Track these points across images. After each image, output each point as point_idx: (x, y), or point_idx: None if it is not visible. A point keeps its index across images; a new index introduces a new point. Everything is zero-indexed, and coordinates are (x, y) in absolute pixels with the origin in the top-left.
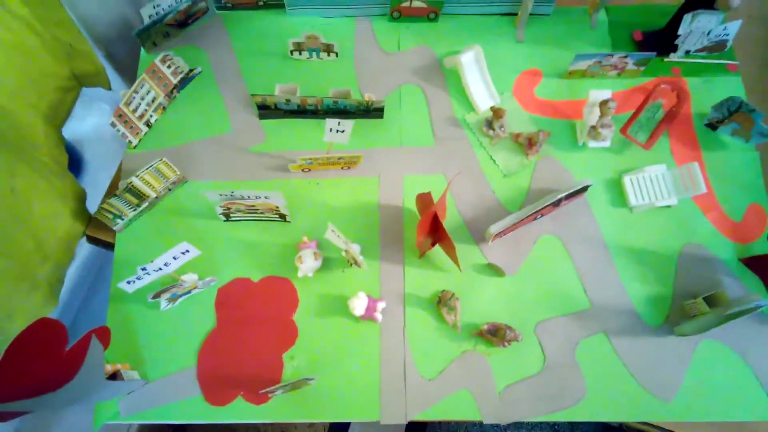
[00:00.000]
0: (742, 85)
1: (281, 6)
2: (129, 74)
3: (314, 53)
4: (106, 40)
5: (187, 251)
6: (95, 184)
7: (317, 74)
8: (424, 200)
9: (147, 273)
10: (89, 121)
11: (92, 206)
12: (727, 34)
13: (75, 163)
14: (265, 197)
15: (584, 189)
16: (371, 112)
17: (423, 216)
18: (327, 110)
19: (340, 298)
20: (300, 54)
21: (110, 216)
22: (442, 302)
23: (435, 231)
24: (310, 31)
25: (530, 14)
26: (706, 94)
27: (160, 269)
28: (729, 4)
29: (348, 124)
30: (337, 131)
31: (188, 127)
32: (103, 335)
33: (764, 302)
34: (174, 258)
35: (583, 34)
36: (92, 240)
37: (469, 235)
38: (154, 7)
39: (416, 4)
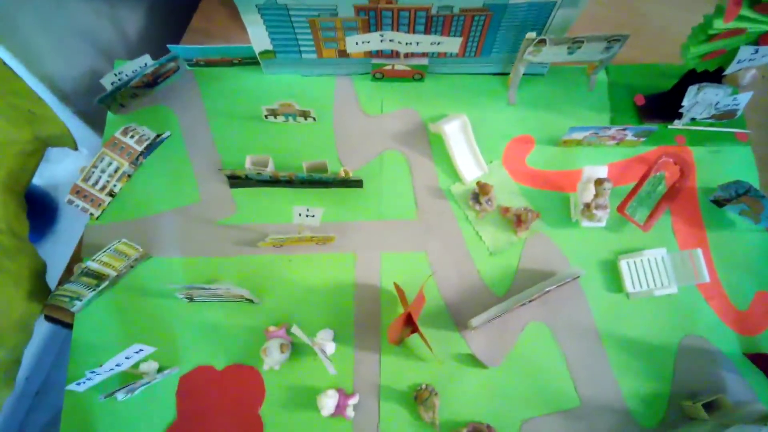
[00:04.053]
0: (753, 156)
1: (257, 63)
2: (100, 128)
3: (290, 117)
4: (75, 96)
5: (141, 350)
6: (70, 231)
7: (293, 138)
8: (400, 293)
9: (97, 375)
10: (65, 165)
11: (63, 257)
12: (737, 104)
13: (49, 210)
14: (227, 289)
15: (574, 278)
16: (350, 182)
17: (397, 318)
18: (302, 181)
19: (311, 390)
20: (275, 118)
21: (67, 299)
22: (419, 400)
23: (413, 325)
24: (287, 88)
25: (524, 74)
26: (713, 165)
27: (112, 370)
28: (738, 81)
29: (317, 210)
30: (307, 216)
31: (155, 197)
32: None
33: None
34: (127, 358)
35: (581, 97)
36: (50, 319)
37: (452, 321)
38: (116, 74)
39: (399, 67)
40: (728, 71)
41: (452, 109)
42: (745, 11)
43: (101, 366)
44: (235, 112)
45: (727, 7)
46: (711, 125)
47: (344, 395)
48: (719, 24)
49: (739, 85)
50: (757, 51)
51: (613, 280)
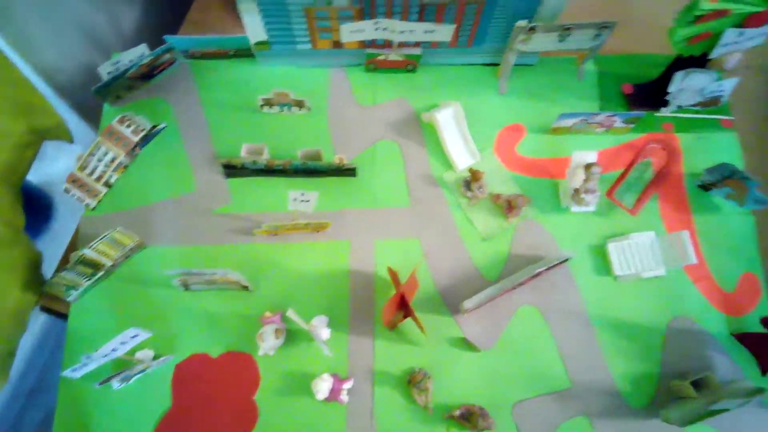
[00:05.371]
0: (738, 142)
1: (252, 55)
2: (95, 122)
3: (285, 107)
4: (70, 89)
5: (137, 335)
6: (65, 230)
7: (289, 128)
8: (393, 276)
9: (93, 360)
10: (60, 163)
11: (58, 256)
12: (722, 91)
13: (44, 208)
14: (223, 274)
15: (565, 260)
16: (343, 171)
17: (390, 298)
18: (296, 170)
19: (305, 376)
20: (270, 108)
21: (63, 288)
22: (412, 383)
23: (405, 307)
24: (282, 80)
25: (514, 65)
26: (700, 151)
27: (107, 355)
28: (723, 66)
29: (312, 195)
30: (301, 201)
31: (151, 187)
32: None
33: (752, 399)
34: (122, 343)
35: (570, 86)
36: (46, 310)
37: (444, 306)
38: (113, 64)
39: (392, 57)
40: (713, 55)
41: (444, 99)
42: None
43: (97, 351)
44: (230, 104)
45: None
46: (697, 113)
47: (338, 380)
48: (705, 4)
49: (723, 71)
50: (742, 34)
51: (602, 263)
